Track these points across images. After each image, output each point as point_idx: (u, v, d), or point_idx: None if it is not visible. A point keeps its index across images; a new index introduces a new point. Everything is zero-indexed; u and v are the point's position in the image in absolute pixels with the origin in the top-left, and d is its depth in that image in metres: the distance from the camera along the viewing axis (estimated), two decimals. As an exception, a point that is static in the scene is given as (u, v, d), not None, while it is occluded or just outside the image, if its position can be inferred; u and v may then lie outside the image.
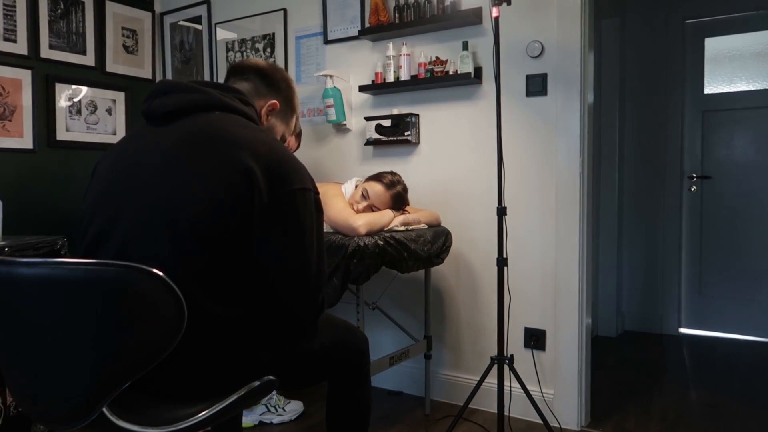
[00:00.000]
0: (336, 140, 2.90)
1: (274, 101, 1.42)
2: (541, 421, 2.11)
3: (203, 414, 1.05)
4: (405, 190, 2.30)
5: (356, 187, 2.34)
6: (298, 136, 2.59)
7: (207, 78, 3.33)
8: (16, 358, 1.05)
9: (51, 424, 1.07)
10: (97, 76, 3.16)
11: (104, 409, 1.01)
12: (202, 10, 3.33)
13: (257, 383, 1.12)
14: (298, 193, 1.17)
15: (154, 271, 0.97)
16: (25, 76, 2.83)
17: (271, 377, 1.14)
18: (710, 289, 3.74)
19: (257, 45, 3.12)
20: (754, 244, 3.60)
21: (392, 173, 2.31)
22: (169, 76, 3.49)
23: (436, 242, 2.26)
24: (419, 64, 2.56)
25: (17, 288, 1.00)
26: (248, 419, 2.39)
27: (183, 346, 1.05)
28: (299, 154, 2.89)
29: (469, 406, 2.15)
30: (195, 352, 1.11)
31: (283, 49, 3.03)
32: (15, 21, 2.80)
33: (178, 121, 1.21)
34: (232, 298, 1.16)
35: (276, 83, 1.44)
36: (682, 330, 3.81)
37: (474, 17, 2.43)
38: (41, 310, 0.99)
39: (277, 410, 2.41)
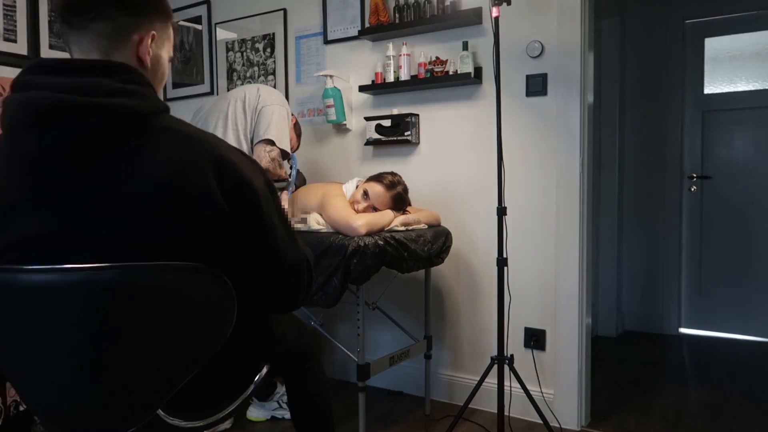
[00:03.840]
0: (336, 140, 2.90)
1: (151, 32, 1.06)
2: (541, 421, 2.11)
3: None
4: (405, 190, 2.30)
5: (357, 187, 2.34)
6: (299, 135, 2.60)
7: (207, 79, 3.32)
8: (42, 369, 1.00)
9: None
10: (97, 76, 3.16)
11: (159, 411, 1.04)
12: (202, 10, 3.33)
13: (263, 375, 1.17)
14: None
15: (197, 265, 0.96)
16: (25, 76, 2.83)
17: (267, 367, 1.20)
18: (710, 288, 3.74)
19: (257, 45, 3.12)
20: (754, 243, 3.60)
21: (393, 174, 2.31)
22: (169, 76, 3.49)
23: (436, 242, 2.26)
24: (419, 64, 2.56)
25: (49, 295, 0.93)
26: (260, 414, 2.44)
27: None
28: (299, 154, 2.89)
29: (469, 406, 2.15)
30: None
31: (283, 49, 3.03)
32: (15, 21, 2.80)
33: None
34: None
35: (137, 3, 1.05)
36: (682, 330, 3.81)
37: (474, 17, 2.43)
38: (68, 317, 0.92)
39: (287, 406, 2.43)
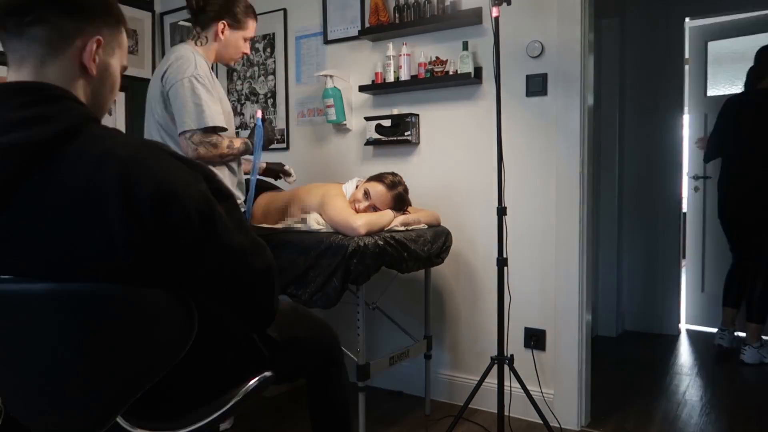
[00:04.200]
0: (336, 140, 2.90)
1: (96, 37, 0.97)
2: (541, 421, 2.11)
3: (210, 417, 1.08)
4: (406, 191, 2.31)
5: (357, 187, 2.34)
6: (243, 16, 2.07)
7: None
8: (12, 376, 1.01)
9: None
10: (97, 76, 3.16)
11: (118, 419, 1.02)
12: (202, 10, 3.32)
13: (255, 382, 1.13)
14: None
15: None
16: (25, 76, 2.83)
17: (268, 373, 1.15)
18: (711, 288, 3.74)
19: (257, 45, 3.12)
20: (754, 244, 3.60)
21: (393, 174, 2.31)
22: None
23: (436, 242, 2.26)
24: (419, 64, 2.56)
25: (21, 305, 0.94)
26: None
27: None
28: (302, 153, 2.88)
29: (469, 406, 2.15)
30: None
31: (283, 49, 3.03)
32: (15, 21, 2.80)
33: None
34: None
35: (82, 5, 0.96)
36: (683, 329, 3.81)
37: (474, 17, 2.43)
38: (40, 327, 0.93)
39: None
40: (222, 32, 2.04)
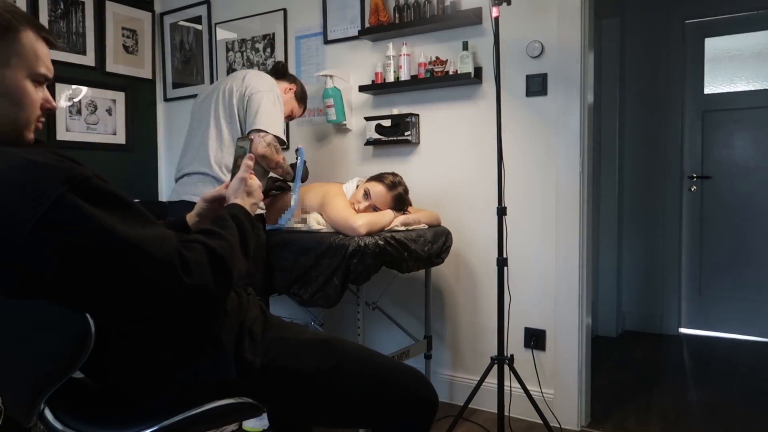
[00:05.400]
0: (336, 140, 2.90)
1: None
2: (541, 421, 2.11)
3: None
4: (406, 191, 2.31)
5: (357, 187, 2.34)
6: (302, 99, 2.45)
7: (207, 79, 3.33)
8: None
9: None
10: (97, 76, 3.16)
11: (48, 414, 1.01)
12: (202, 10, 3.33)
13: (220, 403, 1.03)
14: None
15: None
16: (25, 76, 2.83)
17: (248, 400, 1.02)
18: (710, 288, 3.74)
19: (257, 45, 3.12)
20: (754, 243, 3.60)
21: (393, 174, 2.31)
22: (169, 76, 3.49)
23: (436, 242, 2.26)
24: (419, 64, 2.56)
25: None
26: (257, 424, 2.34)
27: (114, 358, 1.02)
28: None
29: (469, 406, 2.15)
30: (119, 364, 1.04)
31: (283, 49, 3.03)
32: (15, 21, 2.80)
33: None
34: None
35: None
36: (682, 330, 3.81)
37: (474, 17, 2.43)
38: None
39: None
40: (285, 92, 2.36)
